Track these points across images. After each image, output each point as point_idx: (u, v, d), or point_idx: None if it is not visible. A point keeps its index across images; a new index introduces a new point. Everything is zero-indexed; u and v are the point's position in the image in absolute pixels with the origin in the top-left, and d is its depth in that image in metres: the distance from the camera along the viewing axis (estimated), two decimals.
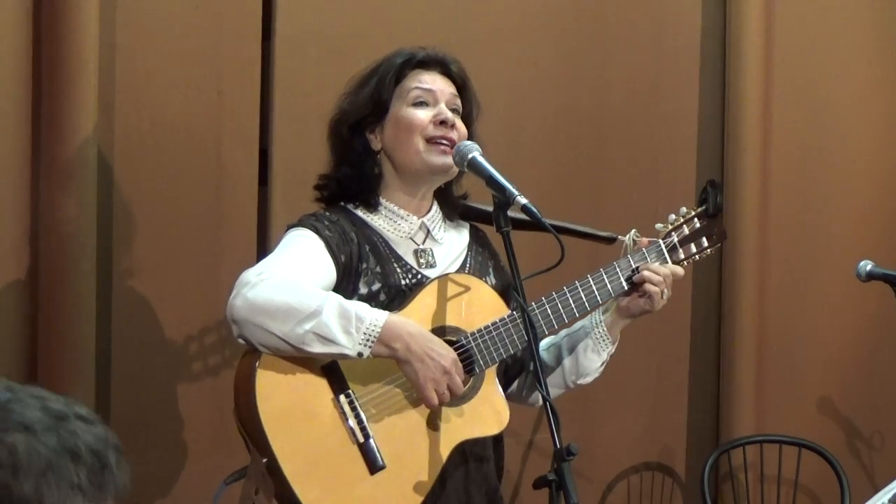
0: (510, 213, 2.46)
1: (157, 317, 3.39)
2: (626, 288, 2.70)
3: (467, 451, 2.60)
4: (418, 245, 2.67)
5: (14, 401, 1.30)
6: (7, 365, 3.16)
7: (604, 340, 2.75)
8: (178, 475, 3.42)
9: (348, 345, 2.39)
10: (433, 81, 2.66)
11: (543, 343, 2.81)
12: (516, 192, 2.42)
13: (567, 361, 2.78)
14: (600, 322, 2.75)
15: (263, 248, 3.36)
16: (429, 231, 2.69)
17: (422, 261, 2.65)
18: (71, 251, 3.20)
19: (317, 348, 2.40)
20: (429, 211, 2.70)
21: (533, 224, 2.46)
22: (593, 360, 2.76)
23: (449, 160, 2.61)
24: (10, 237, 3.20)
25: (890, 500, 2.49)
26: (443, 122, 2.62)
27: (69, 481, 1.29)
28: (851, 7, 4.32)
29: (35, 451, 1.28)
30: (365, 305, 2.46)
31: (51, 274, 3.21)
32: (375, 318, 2.41)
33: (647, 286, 2.68)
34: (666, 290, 2.70)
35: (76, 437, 1.31)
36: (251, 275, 2.44)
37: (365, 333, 2.40)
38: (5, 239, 3.20)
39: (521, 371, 2.81)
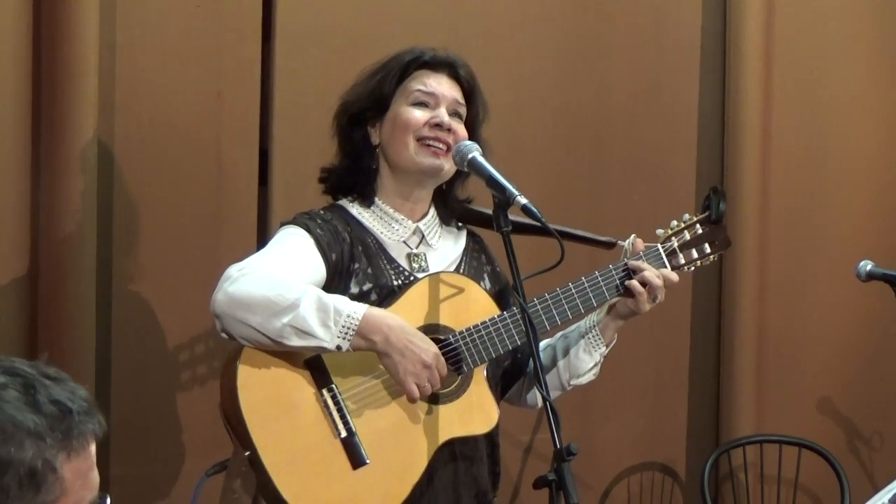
0: (511, 217, 2.46)
1: (157, 317, 3.40)
2: (620, 291, 2.69)
3: (457, 451, 2.60)
4: (411, 249, 2.67)
5: None
6: None
7: (596, 341, 2.75)
8: (178, 475, 3.42)
9: (326, 338, 2.40)
10: (438, 84, 2.66)
11: (539, 345, 2.80)
12: (516, 192, 2.42)
13: (561, 363, 2.78)
14: (593, 323, 2.75)
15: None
16: (423, 236, 2.69)
17: (415, 265, 2.65)
18: (71, 251, 3.20)
19: (295, 341, 2.40)
20: (425, 215, 2.70)
21: (532, 228, 2.46)
22: (585, 360, 2.76)
23: (438, 162, 2.62)
24: (11, 237, 3.20)
25: (890, 500, 2.48)
26: (437, 125, 2.62)
27: (26, 428, 1.37)
28: (851, 7, 4.31)
29: None
30: (345, 299, 2.46)
31: (51, 274, 3.21)
32: (354, 310, 2.42)
33: (634, 285, 2.68)
34: (659, 295, 2.69)
35: (34, 390, 1.39)
36: (233, 270, 2.46)
37: (343, 326, 2.40)
38: (5, 239, 3.20)
39: (519, 374, 2.81)
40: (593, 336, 2.75)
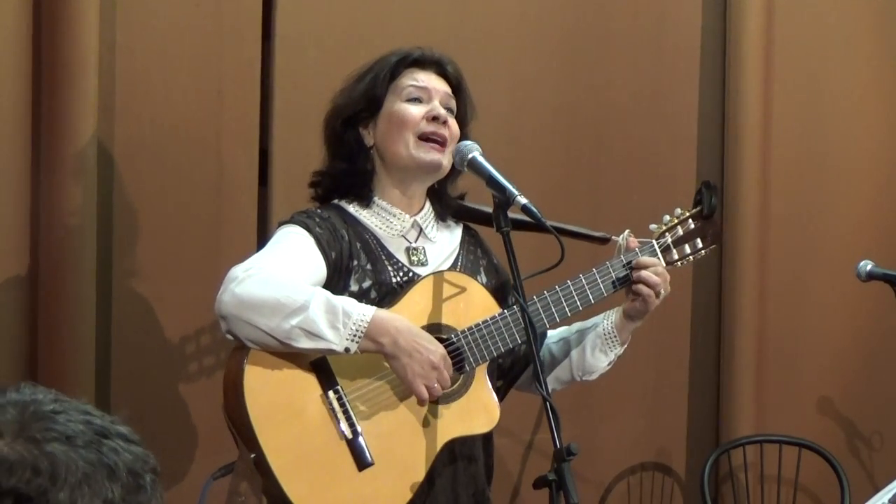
0: (509, 213, 2.47)
1: (157, 317, 3.40)
2: (617, 287, 2.70)
3: (456, 451, 2.60)
4: (410, 243, 2.67)
5: (59, 412, 1.33)
6: (7, 365, 3.16)
7: (612, 341, 2.76)
8: (178, 474, 3.42)
9: (335, 340, 2.40)
10: (428, 80, 2.67)
11: (553, 335, 2.82)
12: (516, 192, 2.42)
13: (575, 355, 2.79)
14: (611, 323, 2.76)
15: None
16: (421, 229, 2.69)
17: (413, 259, 2.65)
18: (71, 251, 3.21)
19: (303, 343, 2.41)
20: (421, 209, 2.71)
21: (531, 224, 2.47)
22: (601, 359, 2.78)
23: (438, 157, 2.62)
24: (11, 237, 3.20)
25: (890, 501, 2.48)
26: (435, 119, 2.62)
27: (103, 496, 1.32)
28: (851, 7, 4.31)
29: (73, 463, 1.30)
30: (352, 300, 2.46)
31: (51, 274, 3.21)
32: (363, 312, 2.42)
33: (641, 287, 2.68)
34: (664, 290, 2.70)
35: (115, 455, 1.34)
36: (239, 270, 2.46)
37: (352, 328, 2.40)
38: (5, 239, 3.20)
39: (525, 367, 2.81)
40: (609, 335, 2.75)
